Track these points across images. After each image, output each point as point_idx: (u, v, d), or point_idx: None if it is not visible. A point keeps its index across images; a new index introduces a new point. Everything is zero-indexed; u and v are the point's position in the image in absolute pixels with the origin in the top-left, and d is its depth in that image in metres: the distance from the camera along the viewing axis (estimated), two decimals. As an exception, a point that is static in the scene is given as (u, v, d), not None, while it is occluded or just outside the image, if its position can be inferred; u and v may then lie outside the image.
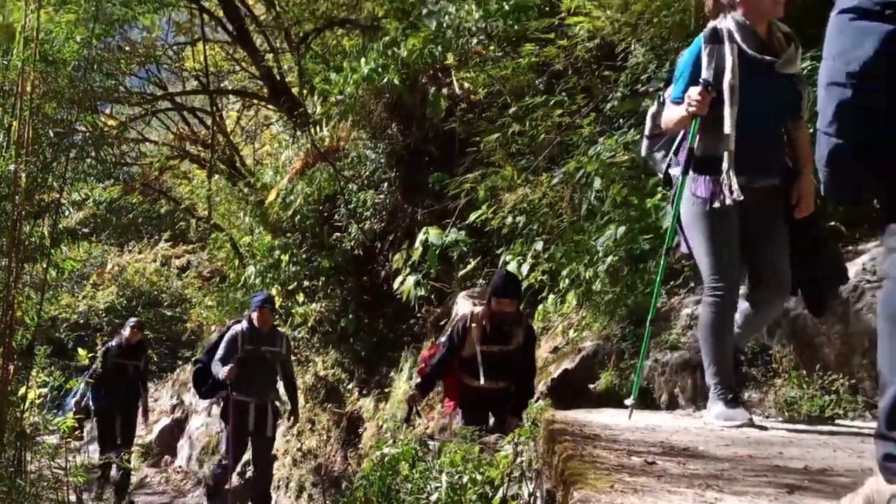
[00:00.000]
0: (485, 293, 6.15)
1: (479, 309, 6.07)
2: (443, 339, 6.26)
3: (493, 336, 5.58)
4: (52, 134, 6.55)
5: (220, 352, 7.79)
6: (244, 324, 7.91)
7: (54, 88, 6.46)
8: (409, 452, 5.20)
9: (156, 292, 16.33)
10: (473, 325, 5.97)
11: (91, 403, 9.15)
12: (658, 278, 4.36)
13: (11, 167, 6.07)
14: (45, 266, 6.63)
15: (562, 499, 2.82)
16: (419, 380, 6.29)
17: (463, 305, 6.35)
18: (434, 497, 4.61)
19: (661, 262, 4.04)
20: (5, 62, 6.26)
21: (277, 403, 8.27)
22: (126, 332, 9.32)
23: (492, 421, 6.06)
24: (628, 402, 4.10)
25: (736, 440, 3.60)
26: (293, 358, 9.03)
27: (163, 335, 15.85)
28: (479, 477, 4.47)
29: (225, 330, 8.12)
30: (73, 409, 8.59)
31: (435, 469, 4.85)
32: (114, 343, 9.46)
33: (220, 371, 7.57)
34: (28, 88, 6.21)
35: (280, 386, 8.27)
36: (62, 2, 6.56)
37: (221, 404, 8.36)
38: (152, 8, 7.43)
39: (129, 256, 15.95)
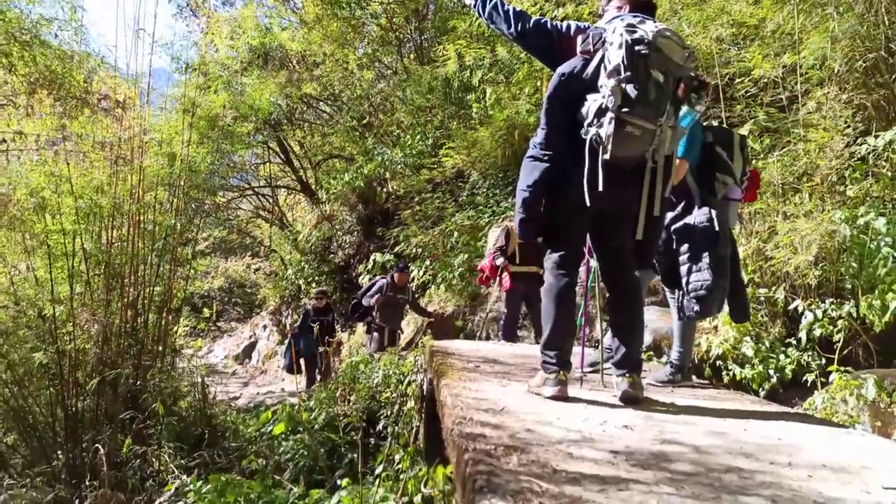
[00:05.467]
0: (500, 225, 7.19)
1: (508, 223, 6.77)
2: (491, 249, 6.90)
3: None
4: (192, 205, 8.20)
5: (371, 292, 8.51)
6: (388, 279, 8.59)
7: (195, 183, 7.87)
8: (364, 360, 6.38)
9: (242, 280, 20.56)
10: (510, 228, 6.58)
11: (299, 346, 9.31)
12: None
13: (173, 221, 7.52)
14: (188, 268, 8.30)
15: (436, 383, 3.06)
16: (498, 261, 6.67)
17: (494, 231, 7.08)
18: (375, 381, 5.68)
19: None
20: (171, 171, 7.49)
21: (399, 332, 8.93)
22: (313, 301, 9.69)
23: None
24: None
25: (516, 353, 4.13)
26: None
27: (243, 301, 20.24)
28: (397, 371, 5.47)
29: (373, 282, 8.77)
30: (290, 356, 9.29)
31: (377, 367, 5.87)
32: (310, 307, 9.77)
33: (371, 301, 8.37)
34: (181, 183, 7.46)
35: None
36: (200, 142, 7.88)
37: (366, 327, 8.98)
38: (244, 147, 10.24)
39: (230, 263, 19.96)
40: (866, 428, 3.54)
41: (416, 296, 9.52)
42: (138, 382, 6.39)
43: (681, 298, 3.24)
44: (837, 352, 4.57)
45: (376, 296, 8.39)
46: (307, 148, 15.52)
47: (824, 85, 5.56)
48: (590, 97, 2.58)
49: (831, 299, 4.78)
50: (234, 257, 22.43)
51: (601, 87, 2.55)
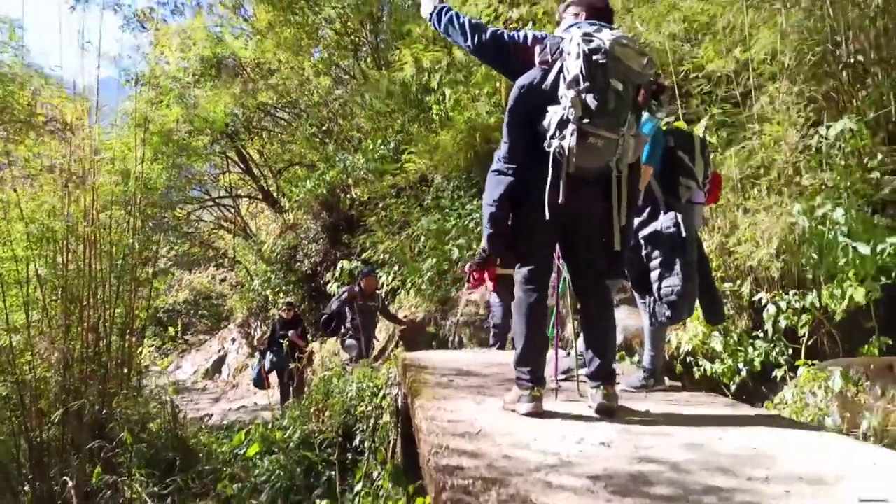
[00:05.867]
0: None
1: None
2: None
3: None
4: (150, 223, 7.76)
5: (341, 302, 8.26)
6: (356, 286, 8.33)
7: (152, 200, 7.56)
8: (337, 373, 6.24)
9: (208, 292, 20.18)
10: None
11: (268, 362, 9.10)
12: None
13: (130, 240, 7.21)
14: (149, 288, 7.87)
15: (410, 402, 3.04)
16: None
17: None
18: (350, 394, 5.59)
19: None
20: (125, 189, 7.16)
21: (374, 339, 8.71)
22: (283, 312, 9.37)
23: None
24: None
25: (491, 363, 4.11)
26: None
27: (210, 313, 19.98)
28: (371, 383, 5.42)
29: (341, 293, 8.49)
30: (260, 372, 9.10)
31: (350, 380, 5.79)
32: (277, 319, 9.57)
33: (343, 309, 8.18)
34: (137, 201, 7.19)
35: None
36: (154, 158, 7.62)
37: (340, 341, 8.57)
38: (201, 160, 10.03)
39: (194, 275, 19.69)
40: (836, 419, 3.60)
41: (386, 302, 9.44)
42: (104, 410, 6.20)
43: (652, 304, 3.24)
44: (804, 342, 4.65)
45: (347, 307, 8.25)
46: (267, 156, 15.34)
47: (776, 79, 5.65)
48: (550, 109, 2.56)
49: (794, 291, 4.86)
50: (197, 269, 22.02)
51: (561, 97, 2.53)
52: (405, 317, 9.55)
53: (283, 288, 13.68)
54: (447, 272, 8.79)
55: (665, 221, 3.19)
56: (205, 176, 15.27)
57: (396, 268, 9.84)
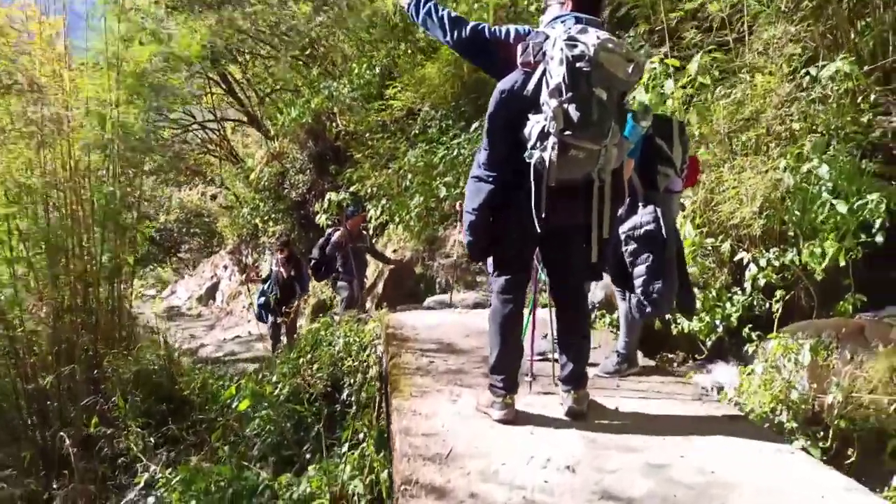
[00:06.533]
0: None
1: None
2: None
3: None
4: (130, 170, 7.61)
5: (329, 246, 8.13)
6: (342, 230, 8.27)
7: (131, 145, 7.28)
8: (326, 323, 6.06)
9: (199, 209, 20.34)
10: None
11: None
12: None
13: (111, 188, 7.06)
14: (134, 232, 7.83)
15: (389, 394, 3.22)
16: None
17: None
18: (337, 347, 5.51)
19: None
20: (102, 134, 6.90)
21: (365, 278, 8.67)
22: (277, 252, 9.03)
23: None
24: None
25: (474, 330, 4.02)
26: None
27: (203, 231, 20.12)
28: (357, 338, 5.38)
29: (328, 236, 8.37)
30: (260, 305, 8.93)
31: (338, 333, 5.69)
32: (274, 260, 9.22)
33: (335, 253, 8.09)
34: (116, 147, 7.01)
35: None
36: (130, 101, 7.27)
37: (331, 283, 8.57)
38: (180, 104, 9.62)
39: (183, 192, 19.72)
40: (804, 392, 3.70)
41: (374, 239, 9.43)
42: (96, 370, 6.30)
43: (631, 299, 3.25)
44: (781, 300, 4.71)
45: (336, 249, 8.17)
46: (251, 79, 14.77)
47: (772, 22, 5.42)
48: (532, 118, 2.47)
49: (775, 248, 4.88)
50: (187, 186, 21.74)
51: (543, 104, 2.43)
52: (394, 253, 9.61)
53: (273, 216, 13.63)
54: (434, 209, 8.73)
55: (644, 216, 3.15)
56: (188, 97, 14.57)
57: (385, 201, 9.72)
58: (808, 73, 5.20)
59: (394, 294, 8.56)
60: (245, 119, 15.63)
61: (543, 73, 2.45)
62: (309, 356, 5.98)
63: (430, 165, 9.00)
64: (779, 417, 3.61)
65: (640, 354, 3.69)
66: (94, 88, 7.20)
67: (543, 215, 2.48)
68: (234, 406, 5.71)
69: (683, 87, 5.33)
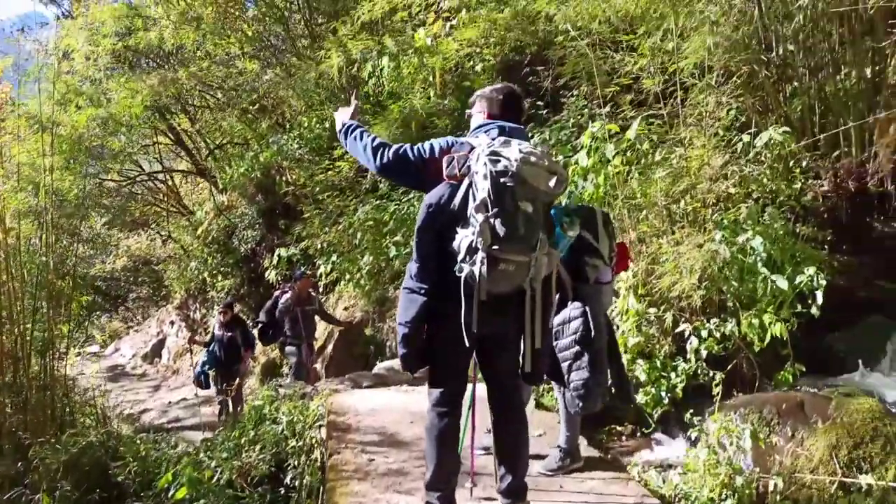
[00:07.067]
0: None
1: None
2: None
3: None
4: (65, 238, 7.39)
5: (279, 309, 7.93)
6: (289, 290, 8.10)
7: (66, 213, 7.22)
8: (269, 397, 5.83)
9: (148, 257, 19.66)
10: None
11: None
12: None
13: (44, 258, 6.76)
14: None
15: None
16: None
17: None
18: (281, 427, 5.29)
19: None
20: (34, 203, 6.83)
21: (314, 340, 8.47)
22: (220, 315, 8.76)
23: None
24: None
25: (417, 412, 3.88)
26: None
27: (151, 279, 19.37)
28: (302, 416, 5.24)
29: (275, 298, 8.19)
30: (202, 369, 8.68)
31: (283, 409, 5.48)
32: (215, 323, 9.11)
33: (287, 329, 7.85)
34: (49, 216, 6.80)
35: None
36: (66, 167, 7.38)
37: (279, 347, 8.41)
38: (118, 163, 9.24)
39: (131, 239, 19.24)
40: (749, 475, 3.69)
41: (324, 298, 9.27)
42: (25, 449, 5.92)
43: (566, 394, 3.21)
44: (722, 375, 4.73)
45: (285, 314, 7.97)
46: (200, 130, 14.48)
47: (705, 94, 5.60)
48: (461, 231, 2.46)
49: (715, 319, 4.94)
50: (135, 233, 21.07)
51: (470, 217, 2.42)
52: (344, 311, 9.45)
53: (222, 270, 13.33)
54: (385, 269, 8.63)
55: (573, 311, 3.13)
56: (134, 147, 14.15)
57: (335, 258, 9.58)
58: (741, 139, 5.40)
59: (343, 357, 8.42)
60: (194, 170, 15.35)
61: (469, 185, 2.45)
62: (252, 434, 5.76)
63: (379, 222, 8.93)
64: (724, 504, 3.58)
65: (584, 443, 3.65)
66: (28, 154, 6.98)
67: (475, 328, 2.44)
68: (170, 495, 5.45)
69: (623, 152, 5.46)
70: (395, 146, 2.74)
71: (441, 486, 2.62)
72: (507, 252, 2.38)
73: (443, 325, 2.59)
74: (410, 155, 2.69)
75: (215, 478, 5.30)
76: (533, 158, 2.42)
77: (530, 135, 7.90)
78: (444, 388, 2.68)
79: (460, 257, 2.45)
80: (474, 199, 2.40)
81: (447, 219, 2.50)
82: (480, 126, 2.67)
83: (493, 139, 2.52)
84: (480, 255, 2.37)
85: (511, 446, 2.71)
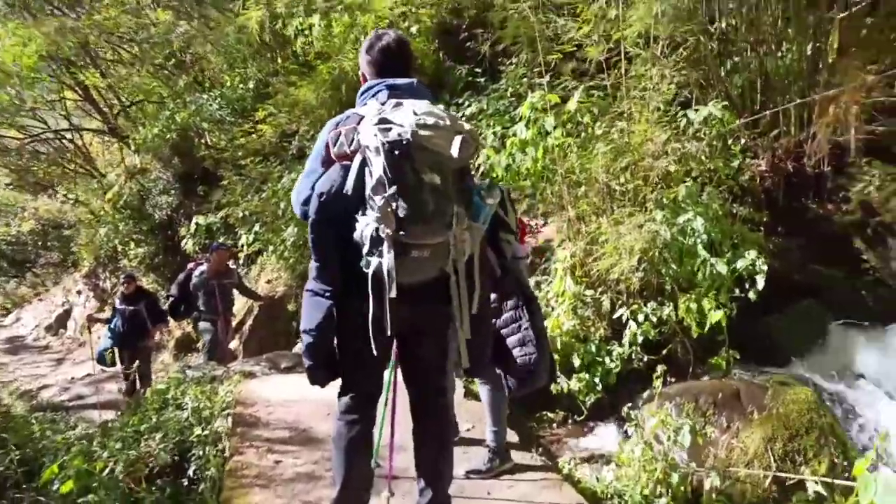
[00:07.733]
0: None
1: None
2: None
3: None
4: None
5: (192, 283, 7.33)
6: (205, 262, 7.52)
7: None
8: (176, 380, 5.42)
9: (58, 220, 18.27)
10: None
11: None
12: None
13: None
14: None
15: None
16: None
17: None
18: (186, 413, 4.93)
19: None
20: None
21: (232, 315, 7.93)
22: (122, 286, 8.02)
23: None
24: None
25: (333, 410, 3.46)
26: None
27: (61, 243, 18.08)
28: (209, 403, 4.83)
29: (188, 272, 7.53)
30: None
31: (188, 392, 5.12)
32: (117, 295, 8.35)
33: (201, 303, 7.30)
34: None
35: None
36: None
37: (193, 323, 7.97)
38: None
39: (40, 201, 17.67)
40: (684, 469, 3.49)
41: (245, 271, 8.68)
42: None
43: (504, 375, 2.96)
44: (659, 354, 4.60)
45: (199, 288, 7.27)
46: (112, 84, 13.18)
47: (647, 67, 5.33)
48: (361, 219, 2.06)
49: (653, 303, 4.76)
50: (44, 193, 19.47)
51: (369, 200, 2.02)
52: (267, 284, 8.92)
53: (135, 237, 12.41)
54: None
55: (507, 287, 2.92)
56: (28, 102, 12.61)
57: (258, 227, 8.99)
58: (685, 115, 5.18)
59: (264, 334, 7.91)
60: (105, 129, 14.16)
61: (363, 163, 2.06)
62: (154, 420, 5.27)
63: (306, 193, 8.45)
64: (659, 501, 3.38)
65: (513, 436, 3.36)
66: None
67: (389, 330, 2.08)
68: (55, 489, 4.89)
69: (564, 124, 5.16)
70: (303, 195, 2.24)
71: (351, 502, 2.29)
72: (417, 235, 2.01)
73: (352, 331, 2.22)
74: (315, 176, 2.21)
75: (107, 469, 4.79)
76: (431, 120, 2.03)
77: (466, 104, 7.69)
78: (353, 393, 2.33)
79: (365, 250, 2.06)
80: (371, 179, 2.02)
81: (343, 206, 2.10)
82: (368, 89, 2.29)
83: (383, 103, 2.12)
84: (386, 244, 2.00)
85: (430, 463, 2.38)
